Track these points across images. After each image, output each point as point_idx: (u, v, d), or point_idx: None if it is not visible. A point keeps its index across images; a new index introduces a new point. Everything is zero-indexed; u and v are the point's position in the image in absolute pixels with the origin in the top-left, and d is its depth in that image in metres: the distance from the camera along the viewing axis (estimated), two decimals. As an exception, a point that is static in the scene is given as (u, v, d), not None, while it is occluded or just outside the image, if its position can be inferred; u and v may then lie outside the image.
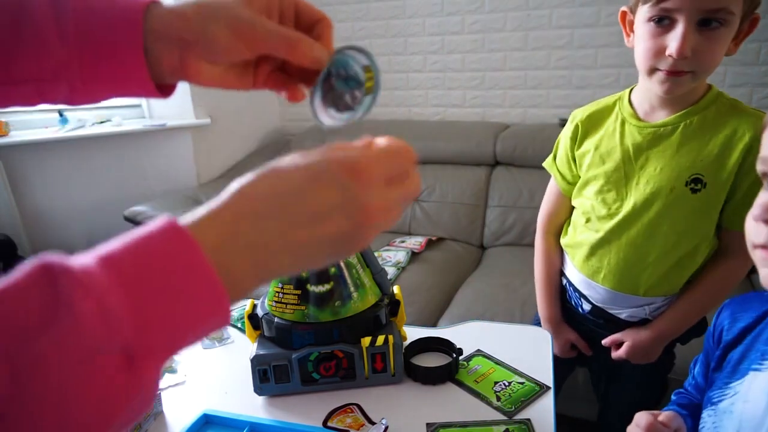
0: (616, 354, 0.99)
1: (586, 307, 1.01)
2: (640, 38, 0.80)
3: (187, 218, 0.30)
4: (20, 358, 0.23)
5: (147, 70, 0.39)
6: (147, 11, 0.39)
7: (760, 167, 0.53)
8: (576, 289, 1.02)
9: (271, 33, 0.39)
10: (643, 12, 0.78)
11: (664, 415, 0.62)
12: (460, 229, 2.15)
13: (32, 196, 2.04)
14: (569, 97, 2.25)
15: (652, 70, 0.80)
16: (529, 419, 0.71)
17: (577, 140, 0.97)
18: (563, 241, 1.04)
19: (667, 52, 0.76)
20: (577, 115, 0.98)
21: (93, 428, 0.25)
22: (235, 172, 2.50)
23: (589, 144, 0.95)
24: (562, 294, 1.08)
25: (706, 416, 0.62)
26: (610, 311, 0.98)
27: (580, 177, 0.98)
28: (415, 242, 2.05)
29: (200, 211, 0.31)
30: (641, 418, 0.62)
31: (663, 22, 0.76)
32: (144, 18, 0.38)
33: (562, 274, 1.07)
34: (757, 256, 0.51)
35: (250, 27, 0.39)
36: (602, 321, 1.00)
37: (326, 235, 0.33)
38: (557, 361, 1.07)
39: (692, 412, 0.67)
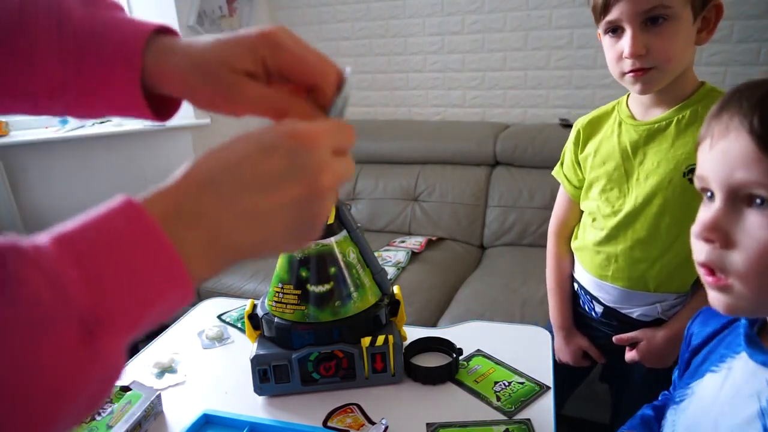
0: (629, 356, 0.98)
1: (599, 309, 1.02)
2: (605, 50, 0.89)
3: (140, 194, 0.30)
4: None
5: (142, 98, 0.40)
6: (149, 42, 0.38)
7: (697, 183, 0.52)
8: (587, 292, 1.03)
9: (252, 100, 0.38)
10: (600, 28, 0.88)
11: None
12: (460, 229, 2.15)
13: (32, 196, 2.04)
14: (569, 97, 2.25)
15: (621, 75, 0.87)
16: (529, 419, 0.71)
17: (579, 144, 1.02)
18: (573, 244, 1.06)
19: (624, 55, 0.83)
20: (579, 122, 1.03)
21: (51, 403, 0.25)
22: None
23: (590, 147, 1.00)
24: (574, 300, 1.09)
25: (668, 414, 0.64)
26: (622, 311, 0.98)
27: (585, 180, 1.01)
28: (415, 242, 2.05)
29: (153, 187, 0.31)
30: None
31: (616, 32, 0.85)
32: (144, 49, 0.38)
33: (573, 279, 1.08)
34: (701, 274, 0.50)
35: (229, 92, 0.38)
36: (615, 323, 1.00)
37: (279, 204, 0.32)
38: (569, 366, 1.07)
39: (660, 414, 0.69)
